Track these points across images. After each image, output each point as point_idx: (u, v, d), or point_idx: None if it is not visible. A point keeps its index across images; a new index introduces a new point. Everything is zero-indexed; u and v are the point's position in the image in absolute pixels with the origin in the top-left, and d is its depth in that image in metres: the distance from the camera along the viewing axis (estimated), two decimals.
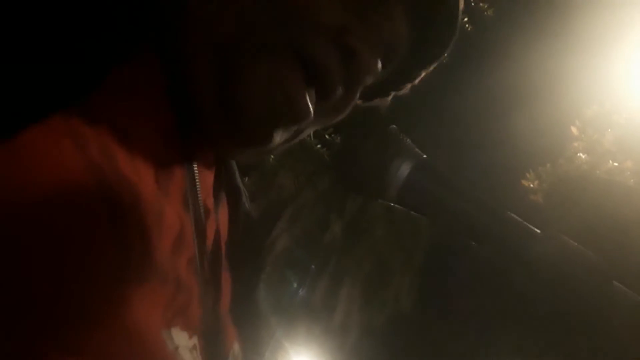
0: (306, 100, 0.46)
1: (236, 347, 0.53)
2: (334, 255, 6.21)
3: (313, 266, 6.46)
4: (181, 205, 0.45)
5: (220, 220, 0.54)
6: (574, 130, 5.44)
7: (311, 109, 0.46)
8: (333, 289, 6.06)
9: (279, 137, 0.48)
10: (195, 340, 0.44)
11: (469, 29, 5.85)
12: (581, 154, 5.31)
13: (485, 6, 6.28)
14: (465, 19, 5.72)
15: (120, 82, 0.38)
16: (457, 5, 0.51)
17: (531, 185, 5.46)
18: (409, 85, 0.58)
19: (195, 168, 0.48)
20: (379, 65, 0.48)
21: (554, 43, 5.49)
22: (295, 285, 6.57)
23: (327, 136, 5.33)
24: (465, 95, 5.69)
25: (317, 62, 0.45)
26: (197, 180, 0.48)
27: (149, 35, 0.42)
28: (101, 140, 0.37)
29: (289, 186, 6.25)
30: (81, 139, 0.35)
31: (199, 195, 0.47)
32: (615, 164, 5.05)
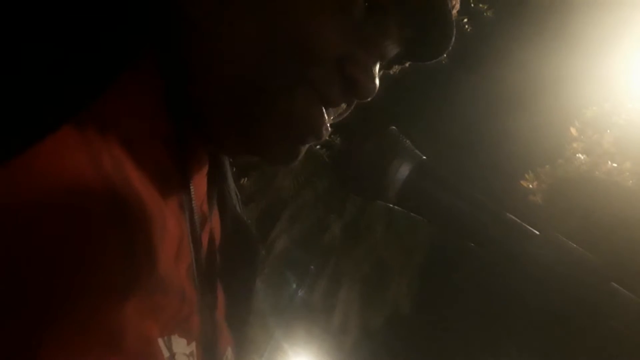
0: (325, 121, 0.47)
1: (229, 352, 0.53)
2: (333, 256, 6.21)
3: (312, 267, 6.46)
4: (179, 211, 0.46)
5: (213, 225, 0.54)
6: (573, 131, 5.43)
7: (328, 128, 0.48)
8: (332, 290, 6.06)
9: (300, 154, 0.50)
10: (193, 346, 0.45)
11: (468, 30, 5.85)
12: (580, 155, 5.30)
13: (485, 7, 6.29)
14: (465, 20, 5.72)
15: (122, 88, 0.38)
16: (450, 11, 0.50)
17: (530, 186, 5.46)
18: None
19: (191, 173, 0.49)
20: (377, 83, 0.49)
21: (553, 44, 5.49)
22: (294, 286, 6.57)
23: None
24: (465, 96, 5.69)
25: (321, 91, 0.46)
26: (192, 186, 0.48)
27: (153, 43, 0.43)
28: (111, 151, 0.38)
29: (289, 187, 6.25)
30: (94, 150, 0.36)
31: (194, 202, 0.47)
32: (615, 165, 5.04)
